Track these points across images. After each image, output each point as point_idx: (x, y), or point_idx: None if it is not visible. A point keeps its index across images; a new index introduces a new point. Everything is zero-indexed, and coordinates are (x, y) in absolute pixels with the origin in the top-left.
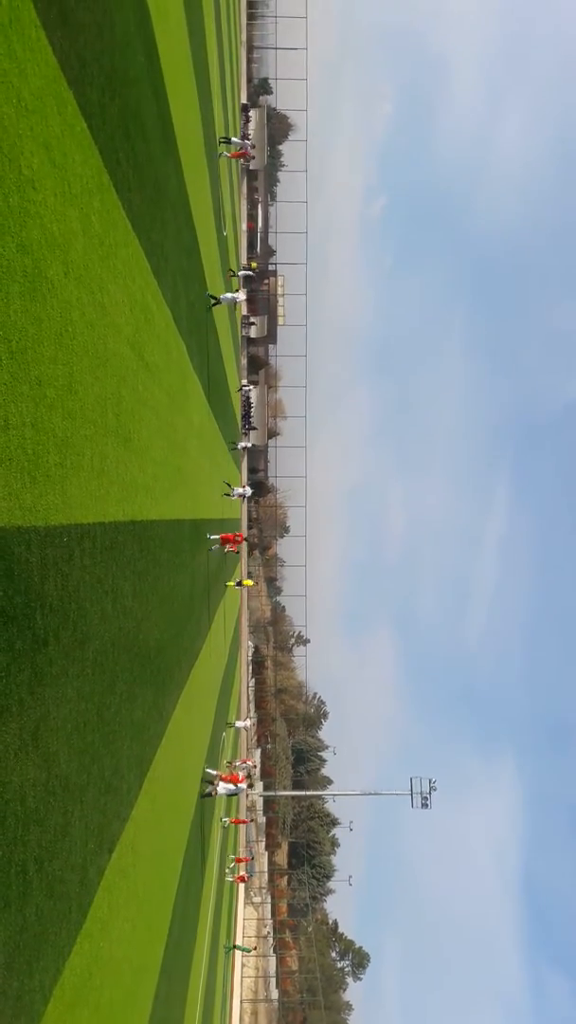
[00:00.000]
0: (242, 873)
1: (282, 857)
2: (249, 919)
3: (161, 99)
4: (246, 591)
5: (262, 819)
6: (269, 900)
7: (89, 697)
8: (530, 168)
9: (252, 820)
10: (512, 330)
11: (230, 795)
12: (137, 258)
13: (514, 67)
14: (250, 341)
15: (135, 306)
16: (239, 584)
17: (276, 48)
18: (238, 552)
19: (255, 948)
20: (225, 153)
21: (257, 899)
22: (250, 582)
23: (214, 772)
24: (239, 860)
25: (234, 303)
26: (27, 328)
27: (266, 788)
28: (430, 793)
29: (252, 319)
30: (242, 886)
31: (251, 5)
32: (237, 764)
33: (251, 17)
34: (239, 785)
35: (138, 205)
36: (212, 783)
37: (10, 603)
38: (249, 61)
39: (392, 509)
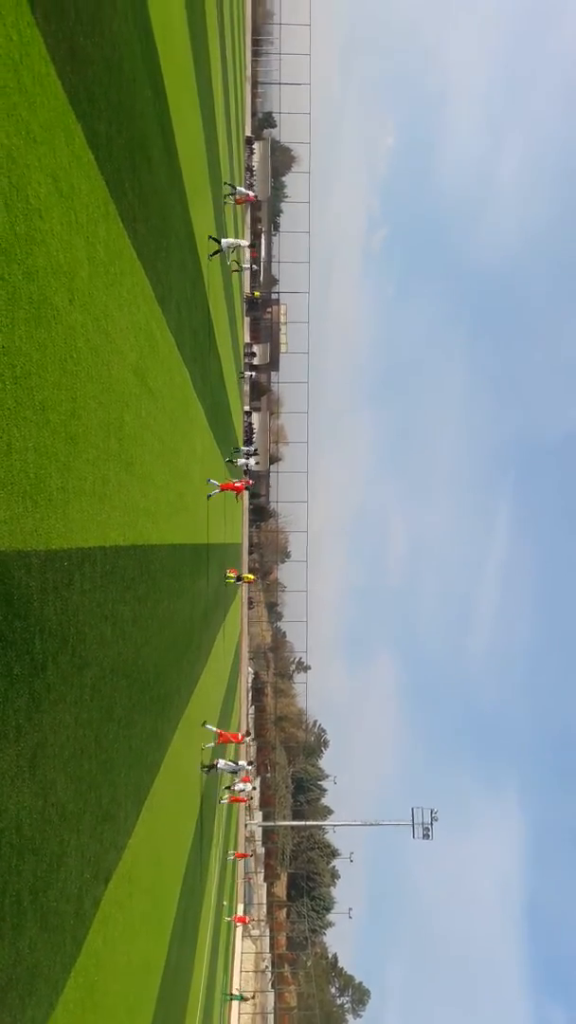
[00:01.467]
0: (242, 915)
1: (281, 889)
2: (247, 952)
3: (167, 132)
4: (246, 587)
5: (261, 850)
6: (268, 933)
7: (87, 723)
8: (529, 199)
9: (252, 853)
10: (513, 357)
11: (232, 772)
12: (142, 286)
13: (513, 102)
14: (253, 368)
15: (139, 333)
16: (239, 579)
17: (280, 83)
18: (239, 499)
19: (253, 996)
20: (231, 198)
21: (256, 932)
22: (251, 576)
23: (214, 729)
24: (239, 855)
25: (236, 248)
26: (32, 354)
27: (265, 818)
28: (432, 824)
29: (254, 347)
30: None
31: (256, 42)
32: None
33: (256, 53)
34: (240, 763)
35: (143, 234)
36: (213, 742)
37: (9, 627)
38: (254, 95)
39: (393, 535)
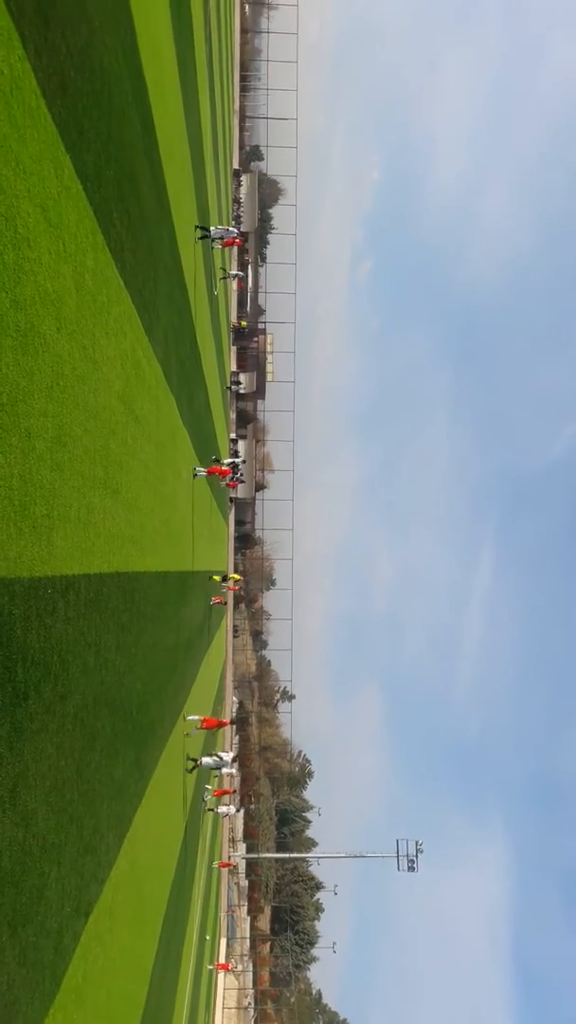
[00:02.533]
0: (224, 961)
1: (264, 922)
2: (229, 988)
3: (155, 164)
4: (230, 615)
5: (244, 882)
6: (250, 968)
7: (69, 753)
8: (512, 234)
9: (236, 883)
10: (497, 388)
11: (216, 767)
12: (129, 315)
13: (496, 139)
14: (239, 396)
15: (126, 361)
16: (225, 580)
17: (267, 118)
18: (223, 483)
19: None
20: (217, 244)
21: (238, 967)
22: (237, 576)
23: (197, 718)
24: (223, 864)
25: (226, 235)
26: (18, 381)
27: (249, 850)
28: (417, 855)
29: (240, 375)
30: (223, 951)
31: (243, 78)
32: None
33: (244, 89)
34: (224, 757)
35: (131, 264)
36: (196, 728)
37: None
38: (241, 129)
39: (378, 563)
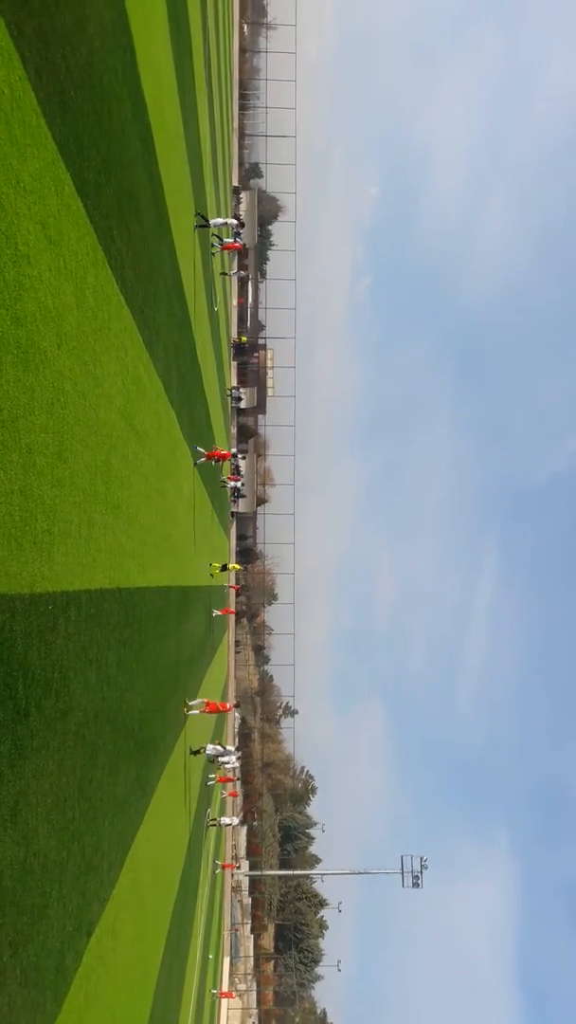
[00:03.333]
0: (227, 990)
1: (268, 941)
2: (233, 1008)
3: (155, 181)
4: (232, 629)
5: (248, 900)
6: (254, 987)
7: (70, 771)
8: (511, 248)
9: (237, 779)
10: (497, 402)
11: (218, 756)
12: (130, 331)
13: (495, 155)
14: (240, 411)
15: (127, 377)
16: (224, 568)
17: (266, 135)
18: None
19: None
20: (216, 248)
21: (242, 986)
22: (237, 566)
23: (199, 701)
24: (226, 866)
25: (225, 225)
26: (19, 398)
27: (252, 867)
28: (421, 872)
29: (241, 390)
30: (226, 970)
31: (243, 96)
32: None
33: (243, 107)
34: (228, 748)
35: (131, 281)
36: (196, 711)
37: None
38: (241, 147)
39: (381, 577)
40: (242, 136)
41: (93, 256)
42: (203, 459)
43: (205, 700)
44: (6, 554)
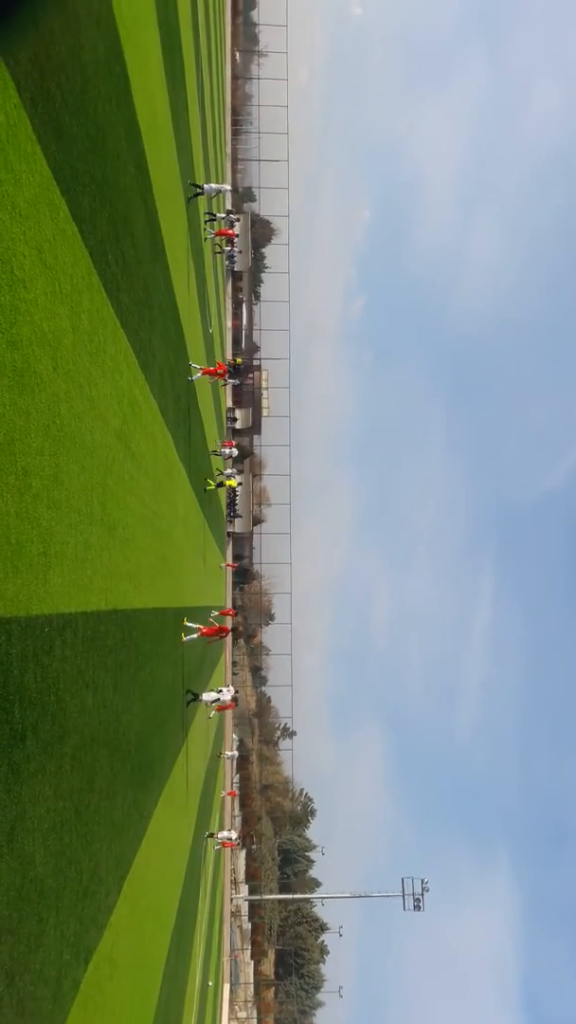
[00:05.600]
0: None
1: (268, 967)
2: None
3: (150, 206)
4: (229, 652)
5: (247, 925)
6: (255, 1015)
7: (67, 795)
8: (503, 272)
9: (236, 703)
10: (490, 422)
11: (214, 702)
12: (125, 353)
13: (486, 177)
14: (235, 432)
15: (123, 399)
16: (220, 486)
17: (259, 160)
18: (220, 384)
19: None
20: (210, 232)
21: (242, 1014)
22: (233, 482)
23: (195, 626)
24: (226, 844)
25: (218, 193)
26: (15, 420)
27: (251, 892)
28: (423, 894)
29: (236, 411)
30: (226, 997)
31: (235, 122)
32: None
33: (235, 132)
34: (223, 692)
35: (127, 304)
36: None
37: None
38: (234, 171)
39: (378, 597)
40: (235, 161)
41: (88, 280)
42: (199, 375)
43: (200, 627)
44: (1, 576)
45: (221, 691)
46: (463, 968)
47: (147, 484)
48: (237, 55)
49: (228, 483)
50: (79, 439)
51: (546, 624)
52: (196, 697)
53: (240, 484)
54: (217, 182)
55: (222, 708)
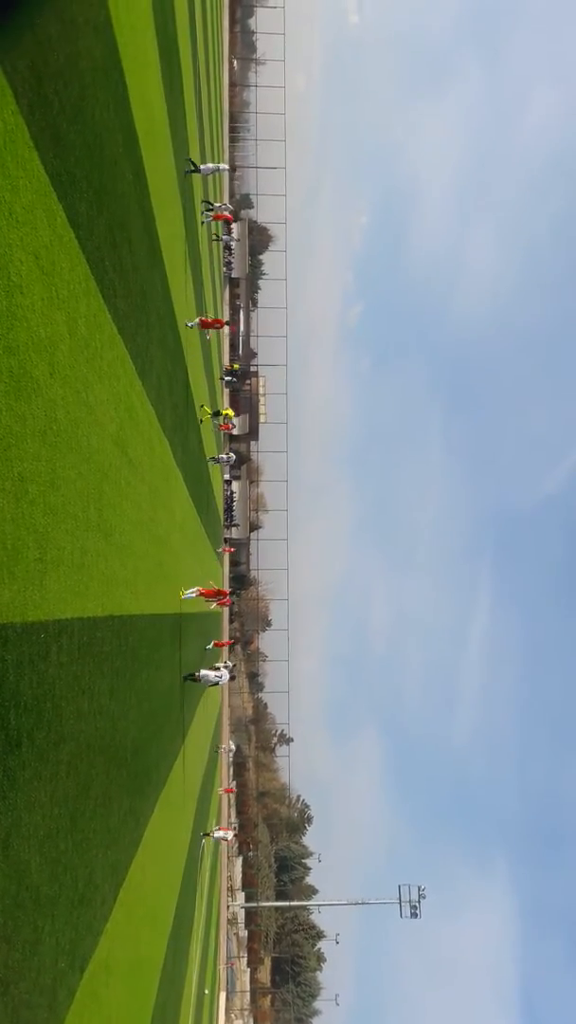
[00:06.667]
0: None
1: (265, 974)
2: None
3: (147, 212)
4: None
5: (244, 933)
6: (251, 1023)
7: (63, 802)
8: (500, 277)
9: (234, 933)
10: (488, 427)
11: (216, 679)
12: (122, 360)
13: (482, 184)
14: (232, 438)
15: (119, 405)
16: (216, 415)
17: (256, 167)
18: (211, 334)
19: None
20: (207, 216)
21: (239, 1022)
22: (231, 412)
23: (192, 592)
24: (223, 829)
25: (215, 171)
26: (11, 426)
27: (248, 899)
28: (419, 901)
29: (233, 419)
30: (223, 1005)
31: (233, 129)
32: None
33: (233, 139)
34: (221, 668)
35: (124, 310)
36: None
37: None
38: (231, 178)
39: (375, 603)
40: (233, 168)
41: (85, 286)
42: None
43: (198, 588)
44: None
45: (219, 668)
46: (460, 975)
47: (144, 490)
48: (235, 62)
49: (225, 412)
50: (76, 444)
51: (543, 629)
52: (193, 675)
53: (237, 418)
54: (214, 162)
55: (219, 644)
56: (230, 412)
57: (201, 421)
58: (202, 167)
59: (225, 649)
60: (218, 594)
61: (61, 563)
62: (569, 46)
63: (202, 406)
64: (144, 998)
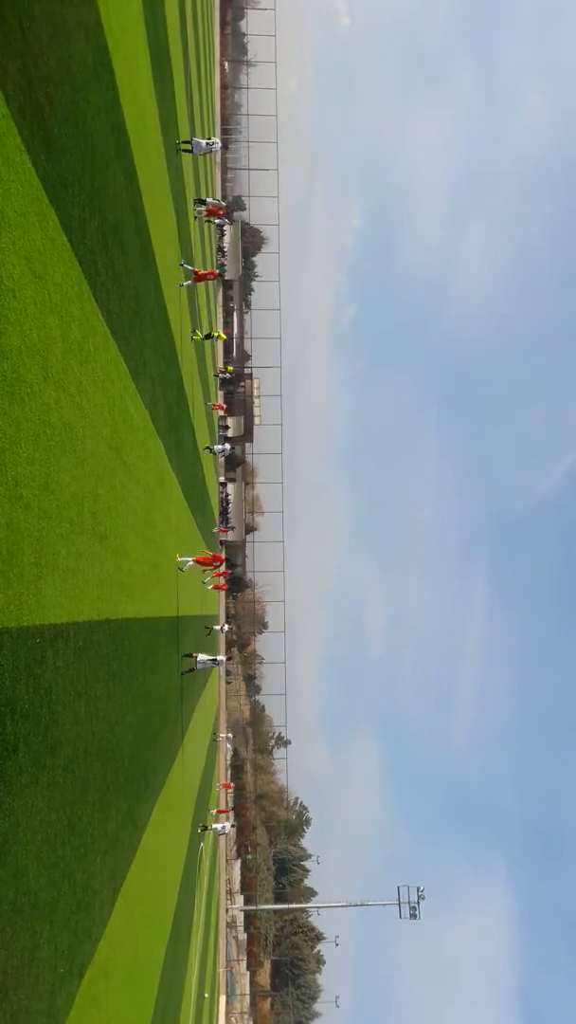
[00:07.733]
0: None
1: (265, 977)
2: None
3: (139, 215)
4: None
5: (243, 936)
6: None
7: (60, 807)
8: (493, 279)
9: (234, 937)
10: (482, 429)
11: (212, 664)
12: (116, 362)
13: (475, 184)
14: (227, 439)
15: (114, 408)
16: (208, 337)
17: (249, 169)
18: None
19: None
20: (201, 212)
21: None
22: (224, 336)
23: (188, 559)
24: (220, 811)
25: (209, 150)
26: (5, 430)
27: (247, 902)
28: (418, 902)
29: (228, 419)
30: (222, 1009)
31: (225, 131)
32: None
33: (225, 142)
34: (219, 658)
35: (117, 313)
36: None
37: None
38: (224, 180)
39: (372, 605)
40: (225, 170)
41: (78, 289)
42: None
43: (195, 556)
44: None
45: (216, 658)
46: (460, 975)
47: (139, 493)
48: (226, 65)
49: (217, 335)
50: (70, 448)
51: (539, 631)
52: (190, 655)
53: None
54: (206, 138)
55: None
56: (222, 335)
57: (193, 340)
58: (193, 141)
59: (225, 766)
60: (214, 560)
61: (56, 567)
62: (560, 47)
63: (194, 330)
64: (143, 1002)
